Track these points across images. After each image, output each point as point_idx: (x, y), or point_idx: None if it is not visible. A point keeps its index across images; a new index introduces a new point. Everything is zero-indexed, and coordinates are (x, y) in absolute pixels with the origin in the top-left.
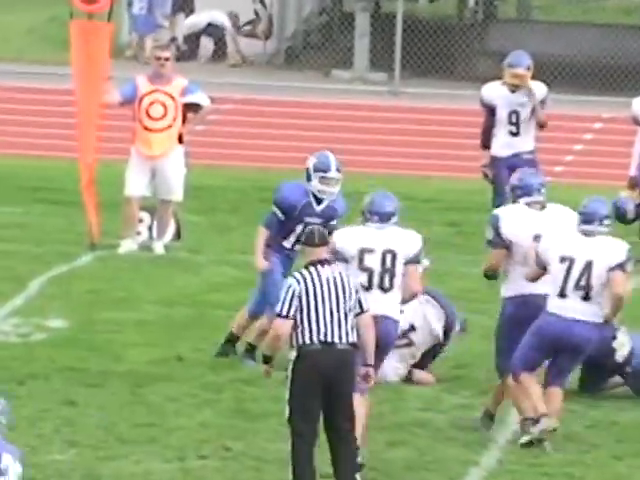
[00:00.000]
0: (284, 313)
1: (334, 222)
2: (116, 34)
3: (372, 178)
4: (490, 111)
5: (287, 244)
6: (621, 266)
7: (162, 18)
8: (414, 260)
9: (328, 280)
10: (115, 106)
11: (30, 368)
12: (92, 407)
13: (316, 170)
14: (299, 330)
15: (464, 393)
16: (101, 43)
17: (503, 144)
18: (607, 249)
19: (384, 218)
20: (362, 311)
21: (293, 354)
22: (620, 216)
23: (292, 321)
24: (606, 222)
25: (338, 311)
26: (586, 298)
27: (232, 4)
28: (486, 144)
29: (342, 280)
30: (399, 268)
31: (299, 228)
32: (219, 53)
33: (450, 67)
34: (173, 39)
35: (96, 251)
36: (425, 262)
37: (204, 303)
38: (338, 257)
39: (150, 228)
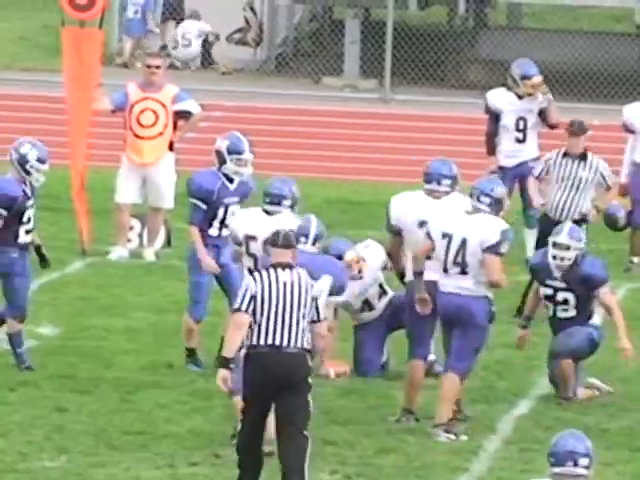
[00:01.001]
0: (243, 308)
1: (247, 198)
2: (107, 41)
3: (361, 185)
4: (495, 117)
5: (213, 232)
6: (493, 248)
7: (153, 24)
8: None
9: (285, 284)
10: (106, 113)
11: (21, 375)
12: (82, 414)
13: (230, 153)
14: (250, 331)
15: None
16: (92, 50)
17: (509, 153)
18: (482, 228)
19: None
20: (318, 319)
21: (243, 352)
22: (611, 223)
23: (250, 317)
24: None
25: (291, 316)
26: (464, 273)
27: (222, 12)
28: (492, 150)
29: (300, 286)
30: None
31: (221, 212)
32: (206, 62)
33: (440, 74)
34: (163, 47)
35: (87, 258)
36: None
37: None
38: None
39: (141, 235)
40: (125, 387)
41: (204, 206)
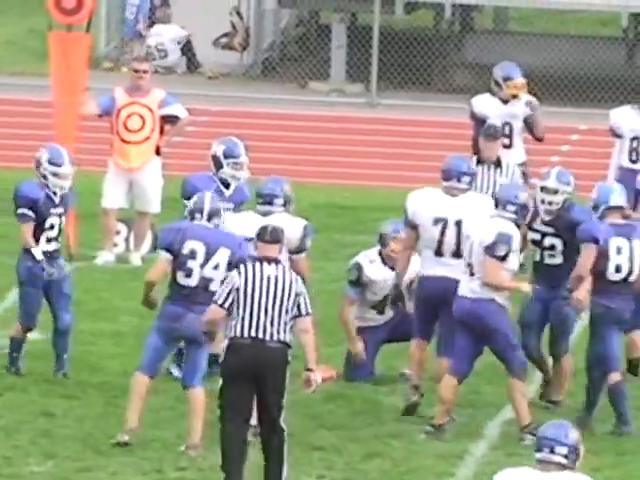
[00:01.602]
0: (220, 302)
1: (243, 205)
2: (94, 45)
3: (348, 189)
4: (480, 123)
5: None
6: (489, 250)
7: (144, 27)
8: (299, 248)
9: (269, 278)
10: (93, 118)
11: (7, 379)
12: (69, 418)
13: (227, 157)
14: (233, 322)
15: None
16: (79, 54)
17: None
18: (480, 229)
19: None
20: (300, 314)
21: (225, 343)
22: None
23: (225, 311)
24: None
25: (273, 309)
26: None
27: (208, 16)
28: None
29: (284, 280)
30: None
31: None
32: (192, 66)
33: (427, 78)
34: (150, 52)
35: (73, 262)
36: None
37: None
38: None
39: (127, 240)
40: (112, 392)
41: None
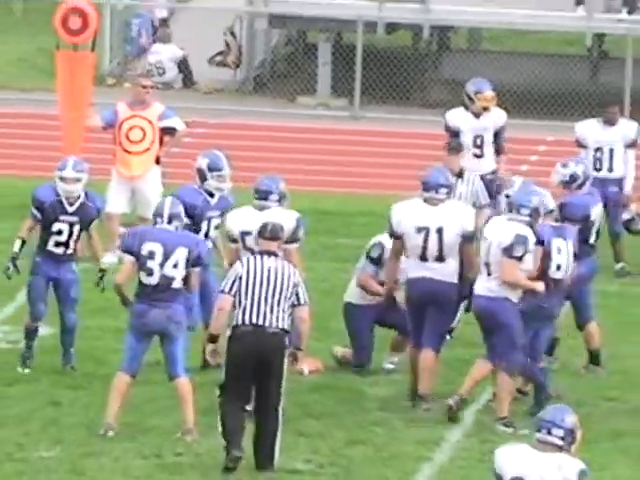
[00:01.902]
0: (226, 290)
1: (228, 212)
2: (98, 63)
3: (333, 197)
4: (454, 135)
5: None
6: (507, 251)
7: (147, 44)
8: (292, 238)
9: (269, 269)
10: (97, 130)
11: (19, 372)
12: (76, 407)
13: (211, 170)
14: (235, 311)
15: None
16: (84, 71)
17: (468, 167)
18: (498, 231)
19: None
20: (299, 303)
21: (228, 332)
22: None
23: (232, 298)
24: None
25: (273, 297)
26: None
27: (205, 36)
28: None
29: (283, 272)
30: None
31: (204, 225)
32: (188, 82)
33: (406, 94)
34: (149, 69)
35: (79, 263)
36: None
37: None
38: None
39: None
40: None
41: (187, 221)
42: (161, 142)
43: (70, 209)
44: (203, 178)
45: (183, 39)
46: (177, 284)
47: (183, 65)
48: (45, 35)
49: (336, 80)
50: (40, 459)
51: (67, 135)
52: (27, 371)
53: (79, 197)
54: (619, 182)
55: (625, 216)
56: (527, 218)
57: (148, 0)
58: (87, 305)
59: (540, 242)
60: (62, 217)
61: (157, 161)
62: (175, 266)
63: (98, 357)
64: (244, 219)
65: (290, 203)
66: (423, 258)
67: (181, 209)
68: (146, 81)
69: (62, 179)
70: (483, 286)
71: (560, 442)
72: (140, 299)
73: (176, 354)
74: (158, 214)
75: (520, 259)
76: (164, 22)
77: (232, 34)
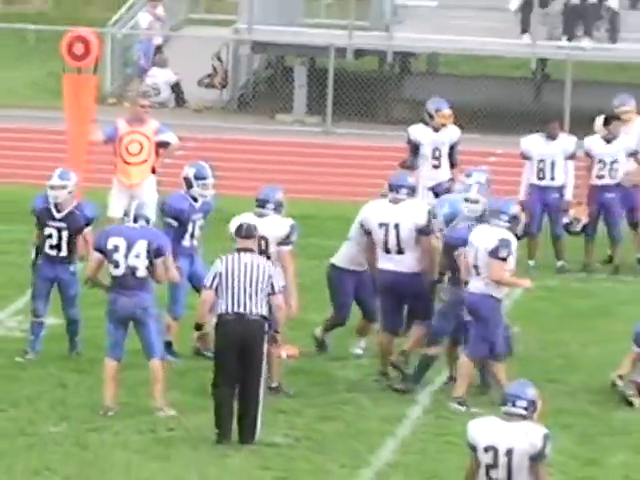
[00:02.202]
0: (207, 285)
1: (209, 214)
2: (100, 85)
3: (307, 203)
4: (414, 148)
5: (186, 243)
6: (493, 253)
7: (147, 67)
8: (284, 242)
9: (246, 264)
10: (100, 144)
11: (30, 357)
12: (81, 389)
13: (197, 179)
14: (219, 301)
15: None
16: (88, 92)
17: (427, 176)
18: (484, 237)
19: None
20: (273, 292)
21: (214, 320)
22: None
23: (213, 291)
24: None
25: (250, 288)
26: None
27: (195, 60)
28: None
29: (258, 266)
30: (272, 250)
31: (190, 227)
32: (180, 101)
33: (372, 112)
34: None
35: (84, 261)
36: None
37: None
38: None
39: None
40: None
41: (176, 223)
42: (156, 154)
43: (58, 215)
44: (189, 185)
45: (176, 63)
46: (141, 273)
47: (176, 87)
48: (54, 61)
49: (310, 100)
50: (48, 434)
51: (72, 148)
52: (29, 357)
53: (69, 205)
54: (560, 190)
55: (565, 220)
56: (507, 224)
57: (142, 28)
58: (87, 299)
59: (465, 242)
60: (50, 222)
61: (153, 171)
62: (137, 256)
63: (99, 344)
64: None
65: (287, 210)
66: (386, 251)
67: (147, 211)
68: (144, 101)
69: (51, 187)
70: (473, 285)
71: (524, 412)
72: (112, 289)
73: (148, 338)
74: (126, 214)
75: (505, 260)
76: (159, 48)
77: (219, 59)
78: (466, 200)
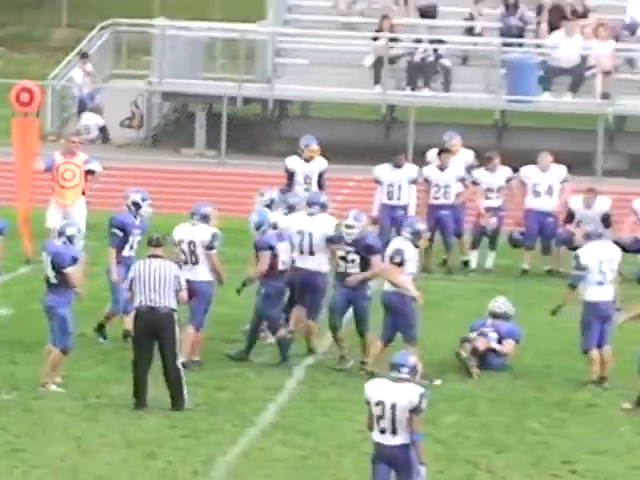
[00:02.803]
0: (126, 287)
1: (146, 231)
2: (42, 125)
3: None
4: (290, 175)
5: (126, 253)
6: (390, 259)
7: (80, 110)
8: (208, 246)
9: (155, 268)
10: (41, 172)
11: None
12: (29, 366)
13: (144, 200)
14: (135, 297)
15: (267, 355)
16: (32, 132)
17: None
18: (391, 246)
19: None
20: (180, 289)
21: (132, 313)
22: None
23: (130, 291)
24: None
25: (159, 286)
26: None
27: (118, 106)
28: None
29: (166, 268)
30: (199, 252)
31: (131, 239)
32: (105, 139)
33: (257, 147)
34: (79, 129)
35: (30, 264)
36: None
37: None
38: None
39: None
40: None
41: (121, 234)
42: (85, 180)
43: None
44: (137, 207)
45: (104, 107)
46: (53, 280)
47: (103, 128)
48: (4, 107)
49: (209, 137)
50: (2, 401)
51: (20, 176)
52: None
53: None
54: (404, 208)
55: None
56: (410, 236)
57: (75, 82)
58: (36, 294)
59: (270, 247)
60: None
61: (83, 193)
62: (48, 267)
63: (44, 330)
64: (180, 230)
65: (215, 222)
66: (302, 252)
67: (71, 230)
68: (75, 138)
69: None
70: (387, 284)
71: (407, 376)
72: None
73: (54, 329)
74: (54, 231)
75: (400, 264)
76: (92, 98)
77: (136, 105)
78: (345, 226)
